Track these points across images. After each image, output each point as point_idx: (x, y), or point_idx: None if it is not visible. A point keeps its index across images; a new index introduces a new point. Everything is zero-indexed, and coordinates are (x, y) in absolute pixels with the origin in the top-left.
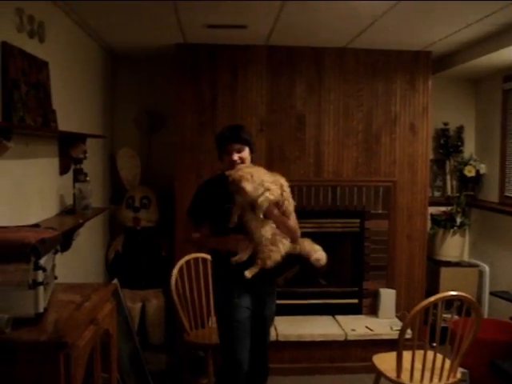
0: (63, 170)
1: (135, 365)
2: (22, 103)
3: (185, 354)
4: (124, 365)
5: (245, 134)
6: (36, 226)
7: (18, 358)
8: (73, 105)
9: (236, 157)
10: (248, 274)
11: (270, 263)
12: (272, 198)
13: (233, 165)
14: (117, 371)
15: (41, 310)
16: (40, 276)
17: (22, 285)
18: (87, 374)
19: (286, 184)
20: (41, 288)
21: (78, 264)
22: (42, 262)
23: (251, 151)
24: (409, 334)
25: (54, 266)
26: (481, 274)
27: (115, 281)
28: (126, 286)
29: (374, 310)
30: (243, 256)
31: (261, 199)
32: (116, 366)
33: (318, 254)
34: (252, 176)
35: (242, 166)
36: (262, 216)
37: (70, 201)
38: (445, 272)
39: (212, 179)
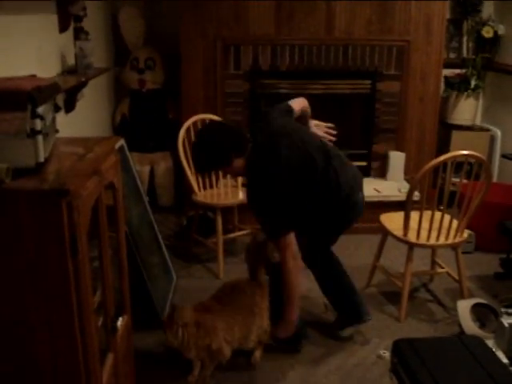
0: (63, 28)
1: (145, 225)
2: None
3: (194, 215)
4: (133, 224)
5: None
6: (32, 76)
7: (19, 207)
8: None
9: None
10: None
11: None
12: None
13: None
14: (126, 228)
15: (41, 159)
16: (38, 124)
17: (20, 133)
18: (95, 228)
19: None
20: (40, 137)
21: (83, 126)
22: (40, 110)
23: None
24: (417, 196)
25: (54, 119)
26: (492, 138)
27: (122, 140)
28: (133, 149)
29: (382, 173)
30: None
31: None
32: (123, 221)
33: None
34: None
35: None
36: None
37: (71, 61)
38: (456, 136)
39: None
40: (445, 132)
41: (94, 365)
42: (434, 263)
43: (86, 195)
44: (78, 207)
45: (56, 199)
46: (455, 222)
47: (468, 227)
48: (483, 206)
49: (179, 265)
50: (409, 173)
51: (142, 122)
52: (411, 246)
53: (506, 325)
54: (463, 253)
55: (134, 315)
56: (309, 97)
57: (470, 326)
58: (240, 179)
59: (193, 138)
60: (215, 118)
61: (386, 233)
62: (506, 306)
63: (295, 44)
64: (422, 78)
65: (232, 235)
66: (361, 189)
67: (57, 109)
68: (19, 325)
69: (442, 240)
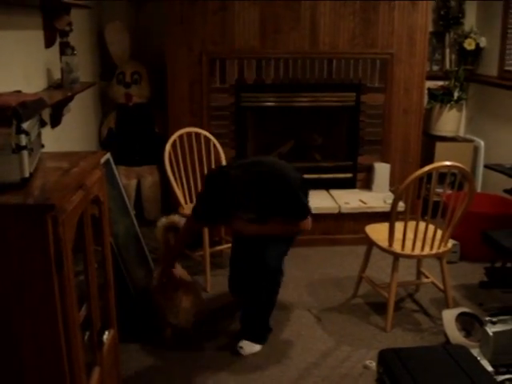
0: (49, 43)
1: (132, 238)
2: None
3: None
4: (120, 237)
5: None
6: (18, 91)
7: (4, 222)
8: None
9: None
10: None
11: None
12: None
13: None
14: (111, 240)
15: (26, 174)
16: (23, 140)
17: (5, 149)
18: (80, 242)
19: None
20: (25, 152)
21: (70, 140)
22: (25, 126)
23: None
24: (402, 206)
25: (39, 134)
26: (476, 149)
27: (108, 154)
28: (120, 163)
29: (367, 185)
30: None
31: None
32: (109, 235)
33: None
34: None
35: None
36: None
37: (57, 75)
38: (440, 147)
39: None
40: (429, 143)
41: (80, 379)
42: (419, 273)
43: (71, 210)
44: (63, 222)
45: (41, 214)
46: (439, 232)
47: (453, 237)
48: (467, 215)
49: None
50: (394, 184)
51: (129, 135)
52: (396, 257)
53: (491, 333)
54: (448, 262)
55: (119, 329)
56: (294, 110)
57: (455, 335)
58: None
59: (179, 151)
60: (201, 131)
61: (371, 244)
62: (491, 315)
63: (280, 57)
64: (405, 90)
65: (219, 248)
66: None
67: (43, 124)
68: (4, 339)
69: (426, 250)
